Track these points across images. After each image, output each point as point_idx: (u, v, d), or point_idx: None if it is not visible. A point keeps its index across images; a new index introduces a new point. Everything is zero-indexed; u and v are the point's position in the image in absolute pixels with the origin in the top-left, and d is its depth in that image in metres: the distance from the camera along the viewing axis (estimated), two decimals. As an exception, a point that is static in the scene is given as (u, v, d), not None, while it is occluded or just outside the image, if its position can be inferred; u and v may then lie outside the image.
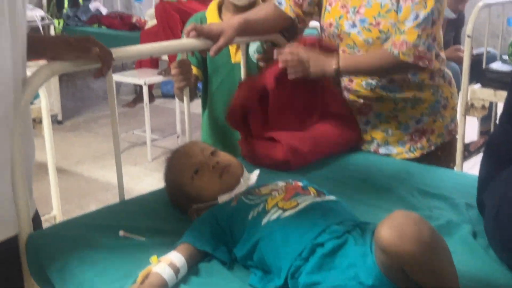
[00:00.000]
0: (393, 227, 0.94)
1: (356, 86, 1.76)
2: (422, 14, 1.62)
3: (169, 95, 4.96)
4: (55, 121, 4.54)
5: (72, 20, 4.74)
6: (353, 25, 1.71)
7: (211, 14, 1.87)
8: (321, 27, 1.86)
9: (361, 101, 1.80)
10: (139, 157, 4.10)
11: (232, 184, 1.35)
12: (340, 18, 1.72)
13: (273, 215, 1.18)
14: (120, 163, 1.53)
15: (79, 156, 4.09)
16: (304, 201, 1.20)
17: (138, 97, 4.73)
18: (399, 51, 1.61)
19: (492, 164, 1.34)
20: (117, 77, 4.13)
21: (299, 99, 1.75)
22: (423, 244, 0.93)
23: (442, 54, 1.79)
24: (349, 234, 1.11)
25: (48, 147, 2.30)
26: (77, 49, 1.33)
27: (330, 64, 1.63)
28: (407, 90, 1.76)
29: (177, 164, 1.43)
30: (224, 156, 1.41)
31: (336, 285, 1.03)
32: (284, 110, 1.73)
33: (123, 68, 5.23)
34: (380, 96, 1.75)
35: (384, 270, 0.98)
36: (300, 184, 1.28)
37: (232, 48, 1.87)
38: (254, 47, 1.86)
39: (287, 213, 1.18)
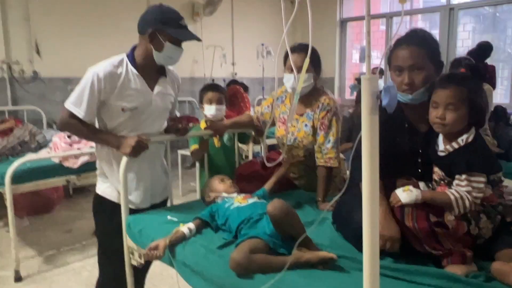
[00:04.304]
0: (272, 206, 1.24)
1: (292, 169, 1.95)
2: (333, 139, 1.78)
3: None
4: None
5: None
6: (289, 141, 1.90)
7: None
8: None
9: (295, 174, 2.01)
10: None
11: (230, 191, 1.68)
12: (283, 136, 1.92)
13: (236, 205, 1.48)
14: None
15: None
16: (250, 201, 1.52)
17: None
18: (331, 164, 1.78)
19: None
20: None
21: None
22: (284, 212, 1.22)
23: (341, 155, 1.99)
24: (265, 214, 1.35)
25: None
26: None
27: None
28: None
29: (209, 181, 1.80)
30: (229, 180, 1.77)
31: (256, 233, 1.28)
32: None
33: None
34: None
35: (274, 226, 1.26)
36: (250, 195, 1.60)
37: (215, 139, 2.10)
38: (226, 137, 2.10)
39: (242, 205, 1.48)
